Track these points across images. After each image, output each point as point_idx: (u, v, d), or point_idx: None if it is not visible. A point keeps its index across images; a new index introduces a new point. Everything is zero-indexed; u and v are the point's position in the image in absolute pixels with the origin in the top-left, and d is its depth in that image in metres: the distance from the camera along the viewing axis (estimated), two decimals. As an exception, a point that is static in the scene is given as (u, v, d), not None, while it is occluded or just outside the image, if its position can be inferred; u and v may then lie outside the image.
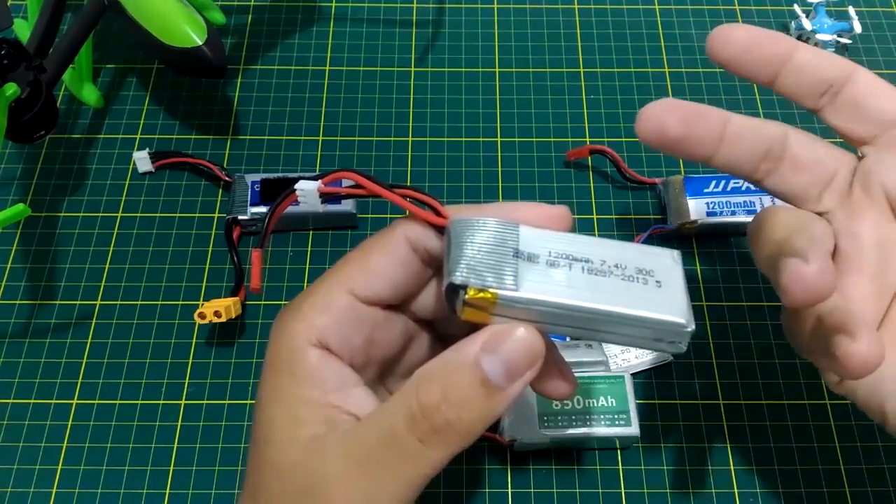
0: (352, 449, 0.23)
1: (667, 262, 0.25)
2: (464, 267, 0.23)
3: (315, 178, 0.26)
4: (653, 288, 0.24)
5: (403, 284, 0.26)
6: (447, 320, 0.28)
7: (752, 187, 0.44)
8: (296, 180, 0.42)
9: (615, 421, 0.36)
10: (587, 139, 0.47)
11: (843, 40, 0.50)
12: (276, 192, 0.42)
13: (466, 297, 0.23)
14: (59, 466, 0.37)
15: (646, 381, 0.39)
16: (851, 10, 0.51)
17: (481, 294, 0.23)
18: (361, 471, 0.22)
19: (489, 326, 0.23)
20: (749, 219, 0.42)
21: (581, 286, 0.23)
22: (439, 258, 0.26)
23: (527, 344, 0.23)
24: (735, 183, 0.43)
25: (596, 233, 0.44)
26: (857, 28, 0.50)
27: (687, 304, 0.24)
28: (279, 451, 0.24)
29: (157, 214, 0.44)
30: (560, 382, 0.26)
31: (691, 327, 0.24)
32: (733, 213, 0.42)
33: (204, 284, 0.42)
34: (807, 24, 0.50)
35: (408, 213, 0.26)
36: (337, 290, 0.25)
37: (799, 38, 0.51)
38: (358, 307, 0.25)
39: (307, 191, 0.26)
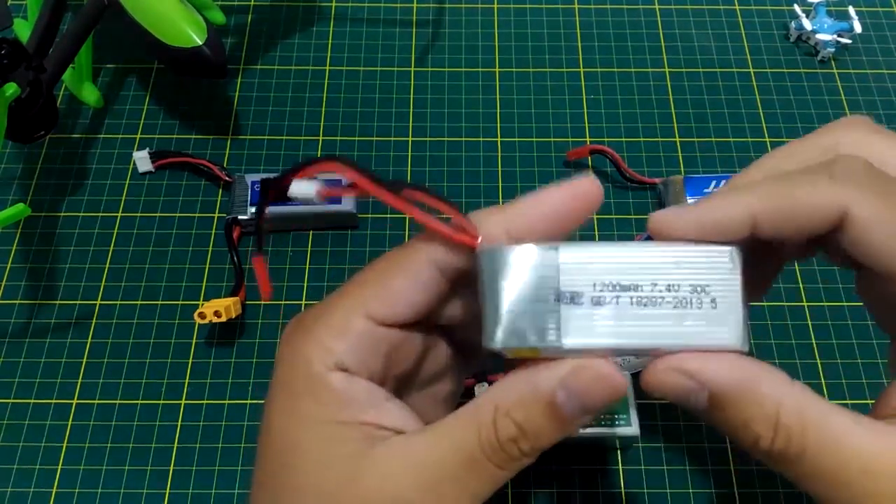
0: (420, 468, 0.22)
1: (724, 268, 0.22)
2: (501, 330, 0.22)
3: (297, 170, 0.23)
4: (708, 309, 0.22)
5: (425, 305, 0.25)
6: (468, 327, 0.27)
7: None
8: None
9: (615, 421, 0.36)
10: (587, 139, 0.47)
11: (843, 40, 0.50)
12: (277, 192, 0.42)
13: (508, 355, 0.23)
14: (59, 466, 0.37)
15: (646, 381, 0.39)
16: (851, 10, 0.51)
17: (525, 352, 0.22)
18: (435, 490, 0.22)
19: (567, 361, 0.22)
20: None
21: (630, 323, 0.22)
22: (468, 273, 0.24)
23: (606, 383, 0.22)
24: (735, 183, 0.43)
25: (596, 233, 0.44)
26: (858, 28, 0.50)
27: (742, 323, 0.22)
28: (309, 474, 0.23)
29: (157, 214, 0.44)
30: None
31: (745, 349, 0.22)
32: (733, 213, 0.42)
33: (204, 284, 0.42)
34: (807, 24, 0.50)
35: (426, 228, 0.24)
36: (354, 313, 0.24)
37: (799, 38, 0.51)
38: (376, 331, 0.24)
39: (304, 194, 0.24)
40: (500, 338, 0.22)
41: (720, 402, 0.22)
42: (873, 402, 0.39)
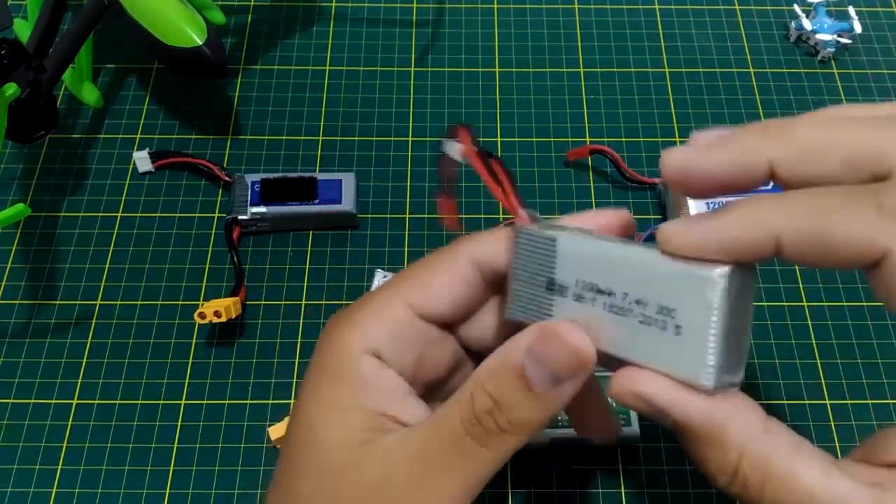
0: (413, 452, 0.23)
1: (698, 293, 0.20)
2: (513, 305, 0.24)
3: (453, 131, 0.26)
4: (671, 335, 0.21)
5: (464, 303, 0.25)
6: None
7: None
8: (296, 180, 0.43)
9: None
10: (587, 139, 0.47)
11: (843, 40, 0.50)
12: (276, 192, 0.42)
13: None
14: (59, 466, 0.37)
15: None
16: (851, 10, 0.51)
17: None
18: (426, 473, 0.22)
19: (536, 325, 0.23)
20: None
21: (599, 328, 0.22)
22: (503, 278, 0.25)
23: (573, 349, 0.22)
24: (735, 183, 0.43)
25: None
26: (858, 28, 0.50)
27: (713, 357, 0.20)
28: (324, 455, 0.23)
29: (157, 214, 0.44)
30: (597, 420, 0.26)
31: (710, 386, 0.20)
32: (733, 213, 0.42)
33: (204, 284, 0.42)
34: (807, 24, 0.50)
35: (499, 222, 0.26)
36: (396, 300, 0.25)
37: (799, 38, 0.51)
38: (415, 321, 0.25)
39: (454, 152, 0.26)
40: (510, 311, 0.24)
41: (681, 432, 0.21)
42: (873, 402, 0.39)
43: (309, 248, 0.43)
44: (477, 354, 0.27)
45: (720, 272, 0.20)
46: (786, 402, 0.39)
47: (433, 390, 0.27)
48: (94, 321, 0.41)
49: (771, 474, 0.20)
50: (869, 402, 0.39)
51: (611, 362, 0.23)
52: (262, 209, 0.42)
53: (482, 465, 0.22)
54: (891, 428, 0.21)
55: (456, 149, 0.25)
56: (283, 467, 0.25)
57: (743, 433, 0.21)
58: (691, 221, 0.21)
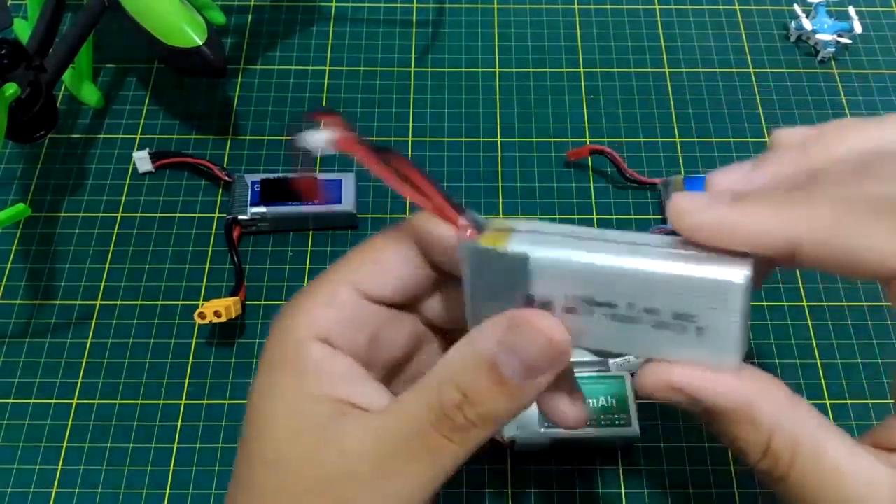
0: (375, 443, 0.22)
1: (722, 299, 0.19)
2: (471, 318, 0.22)
3: (307, 116, 0.23)
4: (692, 335, 0.20)
5: (412, 285, 0.25)
6: (458, 324, 0.26)
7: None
8: (297, 181, 0.43)
9: (615, 421, 0.36)
10: (587, 139, 0.47)
11: (843, 40, 0.50)
12: (276, 192, 0.42)
13: None
14: (59, 466, 0.37)
15: (646, 381, 0.39)
16: (851, 10, 0.51)
17: None
18: (387, 465, 0.22)
19: (506, 314, 0.21)
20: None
21: (606, 332, 0.21)
22: (450, 267, 0.24)
23: (547, 339, 0.21)
24: (735, 183, 0.43)
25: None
26: (858, 28, 0.50)
27: (737, 345, 0.20)
28: (277, 447, 0.23)
29: (157, 214, 0.44)
30: (567, 408, 0.24)
31: (735, 367, 0.21)
32: (733, 213, 0.42)
33: (204, 284, 0.42)
34: (807, 24, 0.50)
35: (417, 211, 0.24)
36: (341, 284, 0.24)
37: (799, 38, 0.51)
38: (362, 303, 0.24)
39: (315, 143, 0.22)
40: (471, 323, 0.22)
41: (712, 416, 0.22)
42: (873, 402, 0.39)
43: (309, 248, 0.43)
44: (441, 331, 0.27)
45: (742, 277, 0.19)
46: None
47: (395, 372, 0.26)
48: (94, 321, 0.41)
49: (799, 450, 0.21)
50: (869, 402, 0.39)
51: (602, 351, 0.22)
52: (262, 209, 0.42)
53: (446, 460, 0.22)
54: None
55: (321, 140, 0.21)
56: (240, 461, 0.24)
57: (772, 410, 0.21)
58: (707, 202, 0.21)
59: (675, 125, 0.48)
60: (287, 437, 0.23)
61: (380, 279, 0.24)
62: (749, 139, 0.47)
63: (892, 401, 0.25)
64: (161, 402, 0.39)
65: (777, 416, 0.21)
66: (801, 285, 0.42)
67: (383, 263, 0.24)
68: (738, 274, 0.19)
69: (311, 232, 0.44)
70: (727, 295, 0.20)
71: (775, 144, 0.25)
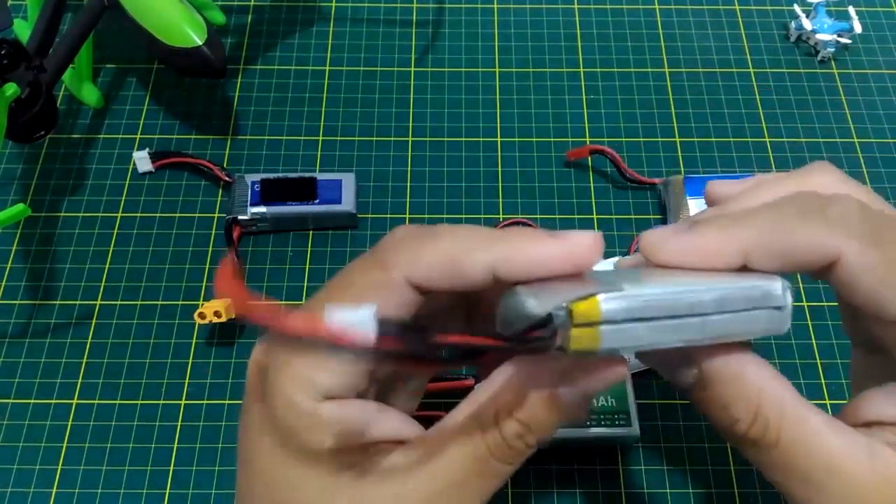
0: (429, 480, 0.22)
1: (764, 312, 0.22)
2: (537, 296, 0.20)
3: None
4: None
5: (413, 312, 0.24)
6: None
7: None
8: (296, 180, 0.43)
9: (615, 421, 0.36)
10: (587, 139, 0.47)
11: (843, 40, 0.50)
12: (276, 192, 0.42)
13: (573, 320, 0.20)
14: (59, 466, 0.37)
15: (646, 381, 0.39)
16: (851, 10, 0.51)
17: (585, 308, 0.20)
18: (444, 496, 0.22)
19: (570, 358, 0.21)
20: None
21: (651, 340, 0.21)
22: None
23: (609, 371, 0.22)
24: (735, 183, 0.43)
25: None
26: (857, 28, 0.50)
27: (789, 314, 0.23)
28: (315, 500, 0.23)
29: (157, 214, 0.44)
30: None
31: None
32: (733, 213, 0.42)
33: (204, 284, 0.42)
34: (807, 24, 0.50)
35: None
36: None
37: (799, 38, 0.51)
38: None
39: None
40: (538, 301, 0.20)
41: (705, 381, 0.23)
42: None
43: (309, 248, 0.43)
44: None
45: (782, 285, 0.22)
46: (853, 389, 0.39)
47: (390, 379, 0.26)
48: (94, 321, 0.41)
49: (786, 413, 0.22)
50: (869, 402, 0.39)
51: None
52: (262, 209, 0.42)
53: (501, 479, 0.23)
54: (866, 391, 0.24)
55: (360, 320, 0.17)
56: None
57: (762, 374, 0.23)
58: (669, 233, 0.23)
59: (675, 125, 0.48)
60: (324, 498, 0.22)
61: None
62: (749, 139, 0.47)
63: (851, 382, 0.27)
64: (161, 402, 0.39)
65: (765, 381, 0.23)
66: (801, 285, 0.42)
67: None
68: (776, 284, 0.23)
69: (311, 232, 0.44)
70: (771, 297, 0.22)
71: (711, 198, 0.27)
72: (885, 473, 0.22)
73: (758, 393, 0.22)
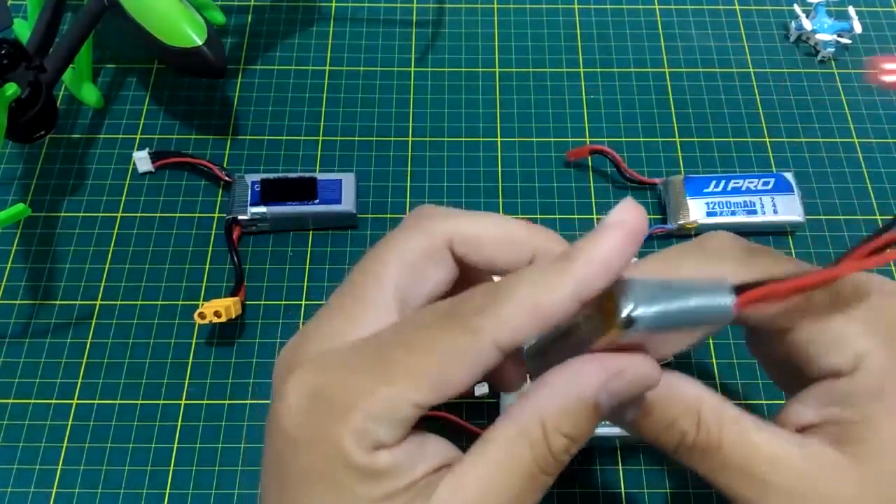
0: (481, 500, 0.22)
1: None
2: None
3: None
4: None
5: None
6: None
7: (752, 187, 0.44)
8: (296, 181, 0.43)
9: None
10: (587, 139, 0.47)
11: (843, 40, 0.50)
12: (276, 192, 0.42)
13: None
14: (59, 466, 0.37)
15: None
16: (851, 10, 0.51)
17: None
18: None
19: (604, 361, 0.22)
20: (749, 219, 0.42)
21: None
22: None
23: (647, 380, 0.23)
24: (735, 183, 0.43)
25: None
26: (857, 28, 0.50)
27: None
28: None
29: (157, 214, 0.44)
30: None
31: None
32: (733, 214, 0.42)
33: (204, 284, 0.42)
34: (807, 24, 0.50)
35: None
36: (403, 402, 0.22)
37: (799, 38, 0.51)
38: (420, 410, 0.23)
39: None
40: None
41: (648, 407, 0.24)
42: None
43: (309, 248, 0.43)
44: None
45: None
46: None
47: None
48: (94, 321, 0.41)
49: (724, 418, 0.24)
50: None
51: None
52: (262, 209, 0.42)
53: (545, 490, 0.23)
54: (794, 399, 0.26)
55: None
56: None
57: (695, 387, 0.24)
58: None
59: (675, 125, 0.48)
60: None
61: (443, 392, 0.22)
62: (749, 139, 0.47)
63: (784, 390, 0.29)
64: (161, 402, 0.39)
65: (699, 390, 0.24)
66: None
67: (452, 379, 0.22)
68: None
69: (311, 232, 0.44)
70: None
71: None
72: (818, 459, 0.23)
73: (696, 403, 0.24)
